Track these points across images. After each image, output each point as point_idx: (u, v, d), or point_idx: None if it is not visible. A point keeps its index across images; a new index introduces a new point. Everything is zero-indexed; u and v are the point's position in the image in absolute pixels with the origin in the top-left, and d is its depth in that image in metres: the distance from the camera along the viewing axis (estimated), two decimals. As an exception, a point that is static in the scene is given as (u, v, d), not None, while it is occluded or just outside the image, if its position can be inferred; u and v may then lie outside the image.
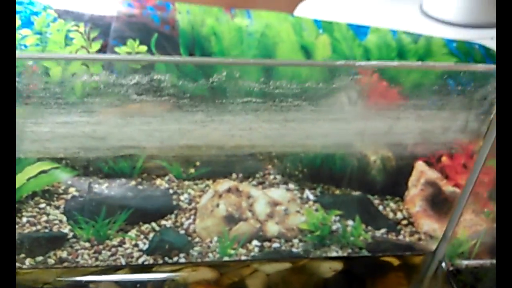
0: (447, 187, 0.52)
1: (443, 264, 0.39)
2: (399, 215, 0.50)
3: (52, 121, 0.24)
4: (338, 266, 0.44)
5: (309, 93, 0.28)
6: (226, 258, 0.47)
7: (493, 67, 0.29)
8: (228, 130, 0.29)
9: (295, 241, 0.48)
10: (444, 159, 0.53)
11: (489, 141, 0.32)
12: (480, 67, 0.28)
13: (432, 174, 0.52)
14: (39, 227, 0.44)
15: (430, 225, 0.49)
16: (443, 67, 0.27)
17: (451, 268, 0.40)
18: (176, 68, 0.29)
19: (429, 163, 0.53)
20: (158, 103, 0.27)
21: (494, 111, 0.31)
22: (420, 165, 0.53)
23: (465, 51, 0.59)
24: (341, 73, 0.28)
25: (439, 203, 0.50)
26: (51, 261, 0.43)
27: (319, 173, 0.53)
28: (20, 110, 0.26)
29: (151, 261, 0.45)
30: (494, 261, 0.44)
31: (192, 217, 0.48)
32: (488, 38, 0.68)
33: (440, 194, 0.51)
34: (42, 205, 0.46)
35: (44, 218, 0.45)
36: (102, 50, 0.50)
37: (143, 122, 0.28)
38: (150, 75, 0.26)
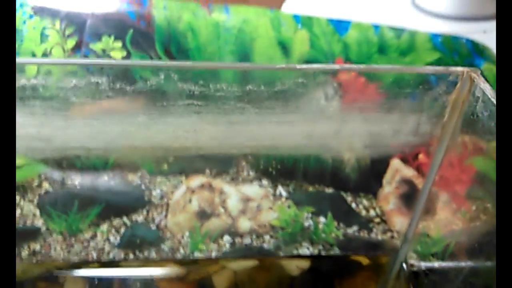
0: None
1: (404, 265, 0.39)
2: (372, 213, 0.50)
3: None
4: (305, 264, 0.44)
5: (252, 95, 0.28)
6: (197, 253, 0.47)
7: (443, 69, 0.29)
8: (172, 131, 0.29)
9: (267, 237, 0.48)
10: (421, 156, 0.52)
11: (445, 141, 0.32)
12: (429, 69, 0.28)
13: (408, 172, 0.51)
14: (13, 220, 0.46)
15: (403, 223, 0.49)
16: (386, 69, 0.27)
17: (415, 269, 0.40)
18: (112, 70, 0.29)
19: (405, 161, 0.52)
20: (98, 105, 0.27)
21: (447, 113, 0.30)
22: (395, 163, 0.52)
23: (450, 46, 0.58)
24: (286, 75, 0.28)
25: (414, 201, 0.50)
26: (24, 254, 0.44)
27: (293, 170, 0.52)
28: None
29: (122, 256, 0.46)
30: (465, 263, 0.44)
31: (164, 212, 0.48)
32: (480, 32, 0.67)
33: (415, 192, 0.50)
34: (17, 199, 0.47)
35: (18, 211, 0.46)
36: (77, 47, 0.51)
37: (85, 124, 0.28)
38: (87, 78, 0.27)
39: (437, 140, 0.33)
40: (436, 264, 0.41)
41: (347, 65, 0.26)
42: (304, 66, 0.27)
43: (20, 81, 0.28)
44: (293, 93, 0.29)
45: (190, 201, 0.49)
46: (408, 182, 0.50)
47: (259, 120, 0.30)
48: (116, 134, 0.29)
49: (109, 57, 0.51)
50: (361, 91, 0.36)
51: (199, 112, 0.29)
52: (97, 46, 0.50)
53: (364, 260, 0.45)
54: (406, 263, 0.39)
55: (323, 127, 0.30)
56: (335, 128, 0.29)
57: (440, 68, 0.29)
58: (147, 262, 0.44)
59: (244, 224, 0.49)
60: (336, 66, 0.26)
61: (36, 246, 0.45)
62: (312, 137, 0.30)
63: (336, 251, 0.48)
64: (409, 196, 0.50)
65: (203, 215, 0.49)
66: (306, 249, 0.48)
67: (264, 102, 0.29)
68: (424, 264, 0.40)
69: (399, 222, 0.49)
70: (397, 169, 0.51)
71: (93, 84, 0.28)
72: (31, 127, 0.29)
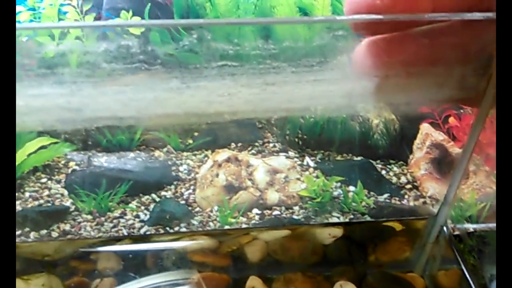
0: (454, 149, 0.50)
1: (445, 228, 0.38)
2: (403, 179, 0.48)
3: (25, 94, 0.24)
4: (338, 232, 0.44)
5: (288, 54, 0.27)
6: (227, 227, 0.47)
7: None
8: (206, 96, 0.28)
9: (296, 208, 0.48)
10: (451, 120, 0.51)
11: (489, 98, 0.30)
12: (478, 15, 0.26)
13: (438, 136, 0.50)
14: (41, 201, 0.45)
15: (436, 188, 0.48)
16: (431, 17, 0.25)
17: (455, 232, 0.39)
18: (146, 32, 0.28)
19: (435, 125, 0.50)
20: (130, 70, 0.26)
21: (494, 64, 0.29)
22: (425, 127, 0.51)
23: None
24: (322, 30, 0.26)
25: (446, 166, 0.49)
26: (54, 234, 0.44)
27: (320, 139, 0.51)
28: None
29: (153, 232, 0.45)
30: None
31: (192, 187, 0.48)
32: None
33: (446, 156, 0.49)
34: (44, 180, 0.47)
35: (46, 192, 0.46)
36: (95, 23, 0.49)
37: (117, 92, 0.27)
38: (118, 41, 0.25)
39: (482, 95, 0.31)
40: (477, 226, 0.40)
41: (389, 16, 0.25)
42: (344, 17, 0.25)
43: (48, 47, 0.27)
44: (332, 48, 0.28)
45: (217, 175, 0.49)
46: (439, 146, 0.49)
47: (296, 79, 0.29)
48: (149, 101, 0.28)
49: (128, 33, 0.50)
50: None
51: (233, 74, 0.28)
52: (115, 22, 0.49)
53: (398, 226, 0.44)
54: (447, 226, 0.38)
55: (363, 84, 0.28)
56: (375, 84, 0.28)
57: (481, 14, 0.27)
58: (178, 236, 0.43)
59: (273, 196, 0.48)
60: (379, 17, 0.24)
61: (66, 226, 0.45)
62: (351, 96, 0.28)
63: (367, 219, 0.47)
64: (441, 160, 0.48)
65: (230, 188, 0.48)
66: (336, 219, 0.47)
67: (302, 59, 0.28)
68: (466, 226, 0.39)
69: (432, 187, 0.47)
70: (427, 134, 0.49)
71: (124, 48, 0.27)
72: (60, 98, 0.28)
